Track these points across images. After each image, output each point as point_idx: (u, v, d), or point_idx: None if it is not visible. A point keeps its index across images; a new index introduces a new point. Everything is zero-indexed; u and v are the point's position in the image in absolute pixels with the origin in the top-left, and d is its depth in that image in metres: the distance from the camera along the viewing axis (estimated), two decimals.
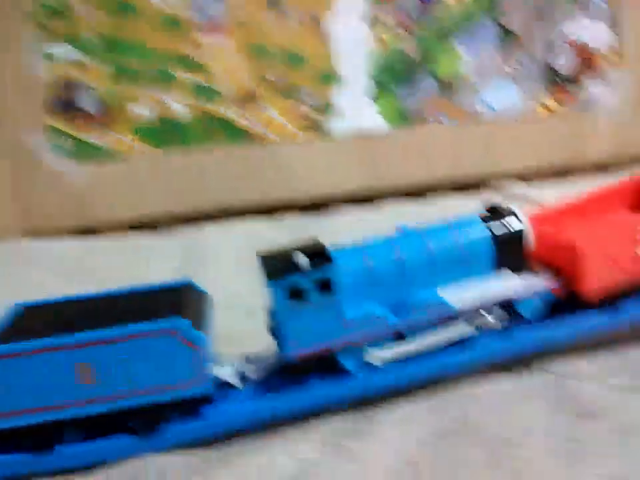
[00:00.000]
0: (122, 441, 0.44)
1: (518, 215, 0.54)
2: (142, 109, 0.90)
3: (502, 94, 1.11)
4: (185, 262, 0.80)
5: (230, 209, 0.95)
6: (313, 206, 0.99)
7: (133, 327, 0.44)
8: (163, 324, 0.45)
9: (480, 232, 0.53)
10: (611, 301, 0.56)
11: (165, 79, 0.90)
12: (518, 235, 0.54)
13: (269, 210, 0.97)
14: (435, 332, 0.52)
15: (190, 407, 0.46)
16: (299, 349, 0.47)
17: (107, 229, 0.90)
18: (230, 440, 0.46)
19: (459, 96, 1.07)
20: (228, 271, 0.76)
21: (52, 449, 0.43)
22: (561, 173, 1.37)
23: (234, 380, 0.49)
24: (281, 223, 0.94)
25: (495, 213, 0.55)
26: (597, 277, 0.54)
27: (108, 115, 0.89)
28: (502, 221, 0.54)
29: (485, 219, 0.54)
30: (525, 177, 1.23)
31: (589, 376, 0.51)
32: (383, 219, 0.97)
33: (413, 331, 0.52)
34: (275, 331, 0.49)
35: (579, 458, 0.41)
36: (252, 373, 0.51)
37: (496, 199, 1.05)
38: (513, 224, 0.54)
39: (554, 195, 0.91)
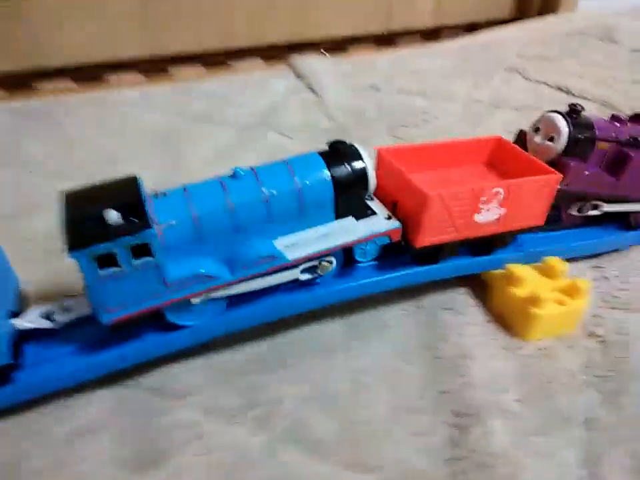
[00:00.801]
0: None
1: (361, 153, 0.52)
2: None
3: None
4: None
5: None
6: None
7: None
8: None
9: (321, 174, 0.51)
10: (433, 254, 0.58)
11: None
12: (360, 176, 0.52)
13: None
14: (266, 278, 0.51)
15: None
16: (113, 316, 0.45)
17: None
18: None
19: None
20: None
21: None
22: (383, 40, 1.60)
23: (41, 323, 0.48)
24: None
25: (337, 151, 0.52)
26: (431, 232, 0.55)
27: None
28: (344, 160, 0.52)
29: (326, 159, 0.51)
30: (342, 45, 1.38)
31: None
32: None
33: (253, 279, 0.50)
34: (87, 295, 0.45)
35: None
36: (63, 315, 0.48)
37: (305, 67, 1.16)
38: (355, 164, 0.52)
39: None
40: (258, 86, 1.19)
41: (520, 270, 0.59)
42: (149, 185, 0.48)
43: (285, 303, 0.54)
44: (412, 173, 0.57)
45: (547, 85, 1.22)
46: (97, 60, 1.25)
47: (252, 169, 0.50)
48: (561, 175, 0.58)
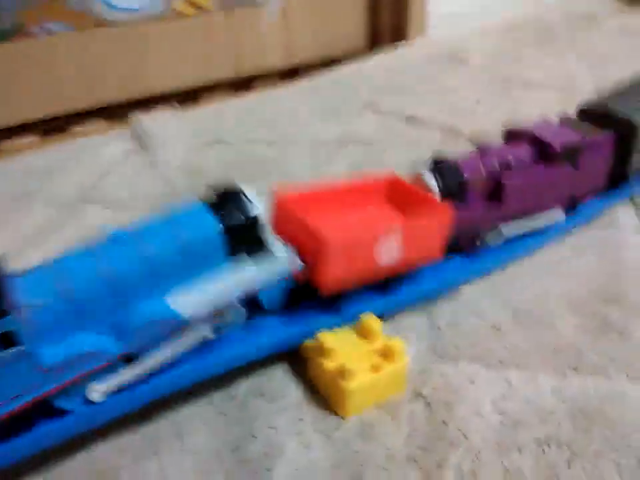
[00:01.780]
0: None
1: (251, 197, 0.49)
2: None
3: None
4: None
5: None
6: None
7: None
8: None
9: (208, 224, 0.47)
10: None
11: None
12: (253, 221, 0.49)
13: None
14: (166, 345, 0.47)
15: None
16: None
17: None
18: None
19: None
20: None
21: None
22: (238, 85, 1.64)
23: None
24: None
25: (225, 198, 0.49)
26: (335, 272, 0.52)
27: None
28: (234, 206, 0.48)
29: (214, 207, 0.48)
30: (193, 95, 1.39)
31: None
32: None
33: (145, 349, 0.46)
34: None
35: None
36: None
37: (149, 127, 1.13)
38: (247, 209, 0.49)
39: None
40: (87, 154, 1.10)
41: (330, 338, 0.53)
42: None
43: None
44: (311, 217, 0.54)
45: (395, 116, 1.21)
46: None
47: (131, 228, 0.46)
48: (452, 211, 0.59)
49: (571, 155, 0.70)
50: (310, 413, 0.52)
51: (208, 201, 0.49)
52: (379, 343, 0.54)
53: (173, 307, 0.45)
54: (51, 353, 0.41)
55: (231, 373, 0.54)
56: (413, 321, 0.62)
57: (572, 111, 0.83)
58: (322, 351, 0.52)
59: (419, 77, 1.46)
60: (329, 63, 1.65)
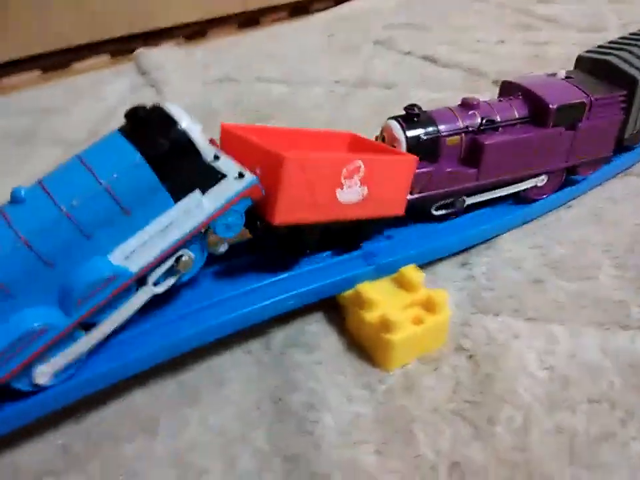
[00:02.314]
0: None
1: (172, 112, 0.42)
2: None
3: None
4: None
5: None
6: None
7: None
8: None
9: (128, 158, 0.40)
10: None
11: None
12: (183, 141, 0.41)
13: None
14: (114, 312, 0.42)
15: None
16: None
17: None
18: None
19: None
20: None
21: None
22: (246, 20, 1.58)
23: None
24: None
25: (141, 122, 0.42)
26: (290, 207, 0.47)
27: None
28: (155, 130, 0.41)
29: (130, 136, 0.41)
30: (200, 31, 1.36)
31: None
32: None
33: (100, 313, 0.41)
34: None
35: None
36: None
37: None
38: (170, 129, 0.41)
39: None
40: (94, 90, 1.04)
41: (370, 289, 0.51)
42: None
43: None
44: (266, 142, 0.49)
45: (414, 55, 1.15)
46: None
47: (39, 182, 0.40)
48: (416, 158, 0.54)
49: (570, 116, 0.62)
50: (350, 365, 0.50)
51: (124, 130, 0.42)
52: (419, 295, 0.52)
53: (115, 262, 0.41)
54: None
55: (266, 323, 0.53)
56: (449, 272, 0.60)
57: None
58: (362, 302, 0.50)
59: (433, 13, 1.39)
60: None
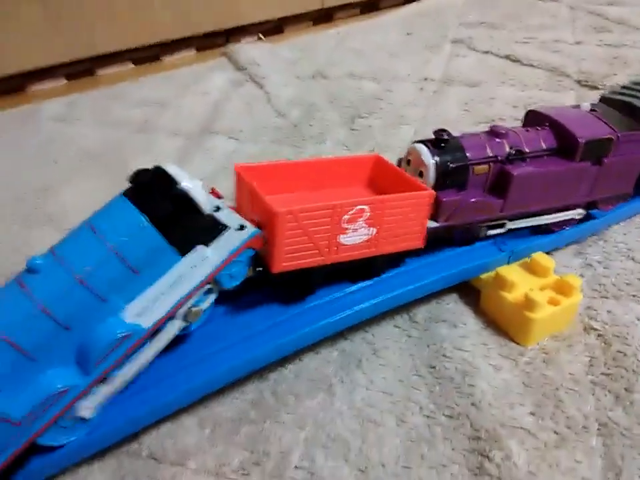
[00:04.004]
0: None
1: (173, 173, 0.44)
2: None
3: None
4: None
5: None
6: None
7: None
8: None
9: (134, 221, 0.42)
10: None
11: None
12: (185, 201, 0.44)
13: None
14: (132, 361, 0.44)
15: None
16: None
17: None
18: None
19: None
20: None
21: None
22: (320, 17, 1.62)
23: None
24: None
25: (144, 184, 0.44)
26: (289, 255, 0.48)
27: None
28: (158, 192, 0.43)
29: (133, 199, 0.43)
30: (277, 27, 1.41)
31: None
32: None
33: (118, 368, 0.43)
34: None
35: None
36: None
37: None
38: (173, 190, 0.43)
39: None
40: (196, 83, 1.12)
41: (509, 272, 0.57)
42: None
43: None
44: (279, 193, 0.53)
45: (494, 54, 1.20)
46: (13, 70, 1.14)
47: (51, 250, 0.42)
48: (433, 192, 0.53)
49: (597, 151, 0.61)
50: (491, 339, 0.57)
51: (128, 194, 0.43)
52: (551, 279, 0.58)
53: (129, 320, 0.43)
54: (17, 406, 0.39)
55: (409, 303, 0.59)
56: (566, 260, 0.66)
57: None
58: (504, 284, 0.57)
59: (503, 12, 1.43)
60: None
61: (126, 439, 0.48)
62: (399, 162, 0.60)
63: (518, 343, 0.56)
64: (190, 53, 1.38)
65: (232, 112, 1.02)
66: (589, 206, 0.65)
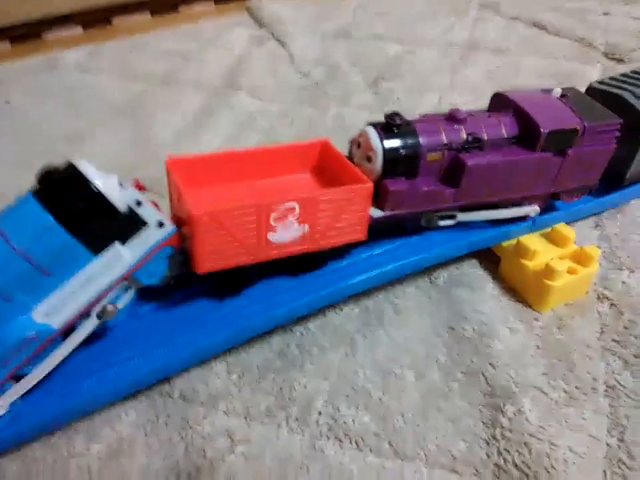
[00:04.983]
0: None
1: (85, 172, 0.42)
2: None
3: None
4: None
5: None
6: None
7: None
8: None
9: (40, 221, 0.41)
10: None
11: None
12: (96, 199, 0.42)
13: None
14: (45, 360, 0.44)
15: None
16: None
17: None
18: None
19: None
20: None
21: None
22: None
23: None
24: None
25: (53, 183, 0.42)
26: (212, 256, 0.48)
27: None
28: (66, 191, 0.42)
29: (42, 199, 0.41)
30: None
31: None
32: None
33: (29, 365, 0.43)
34: None
35: None
36: None
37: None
38: (81, 189, 0.42)
39: None
40: (218, 37, 1.11)
41: (531, 242, 0.59)
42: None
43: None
44: (217, 185, 0.52)
45: (521, 21, 1.19)
46: (31, 17, 1.13)
47: None
48: (371, 184, 0.51)
49: (560, 142, 0.57)
50: (508, 304, 0.59)
51: (37, 193, 0.42)
52: (571, 249, 0.60)
53: (38, 320, 0.43)
54: None
55: (430, 267, 0.62)
56: (584, 232, 0.68)
57: None
58: (525, 252, 0.59)
59: None
60: None
61: (158, 382, 0.51)
62: (351, 144, 0.56)
63: (534, 309, 0.58)
64: (209, 7, 1.36)
65: (255, 69, 1.02)
66: (552, 197, 0.62)
